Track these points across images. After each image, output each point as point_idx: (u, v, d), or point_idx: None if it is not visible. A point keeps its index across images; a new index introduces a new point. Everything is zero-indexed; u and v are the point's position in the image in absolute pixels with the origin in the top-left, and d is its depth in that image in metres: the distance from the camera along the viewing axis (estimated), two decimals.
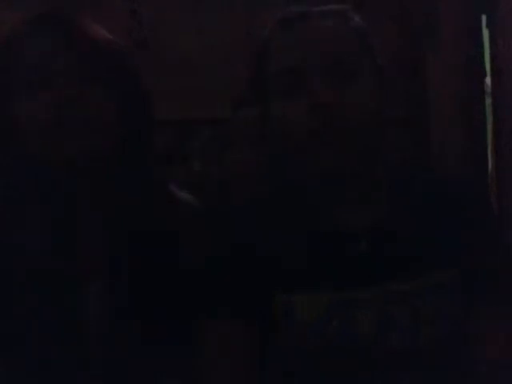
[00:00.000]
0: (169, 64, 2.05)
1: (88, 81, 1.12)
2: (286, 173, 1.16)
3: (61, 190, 1.17)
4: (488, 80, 2.17)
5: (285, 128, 1.08)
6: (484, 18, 2.13)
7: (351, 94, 1.07)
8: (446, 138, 2.08)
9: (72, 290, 1.14)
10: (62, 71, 1.11)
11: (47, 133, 1.10)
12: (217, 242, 1.14)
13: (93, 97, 1.12)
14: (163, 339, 1.15)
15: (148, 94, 1.23)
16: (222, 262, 1.12)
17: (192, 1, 2.10)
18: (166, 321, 1.14)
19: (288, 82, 1.08)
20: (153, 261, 1.16)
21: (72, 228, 1.17)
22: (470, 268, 1.11)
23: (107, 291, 1.15)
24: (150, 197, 1.22)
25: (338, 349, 1.07)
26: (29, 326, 1.12)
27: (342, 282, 1.08)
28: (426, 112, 2.10)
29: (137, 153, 1.21)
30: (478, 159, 2.12)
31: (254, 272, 1.10)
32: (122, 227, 1.17)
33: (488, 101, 2.17)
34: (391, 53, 1.97)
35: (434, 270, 1.10)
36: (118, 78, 1.17)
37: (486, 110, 2.16)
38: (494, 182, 2.17)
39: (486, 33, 2.15)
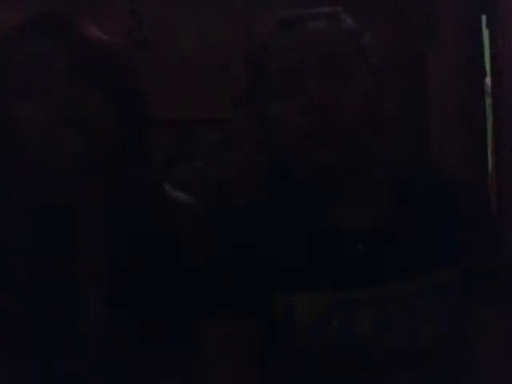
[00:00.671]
0: (169, 64, 2.05)
1: (86, 81, 1.12)
2: (286, 173, 1.16)
3: (60, 191, 1.17)
4: (488, 80, 2.17)
5: (283, 128, 1.08)
6: (484, 17, 2.13)
7: (347, 95, 1.07)
8: (446, 138, 2.08)
9: (72, 291, 1.14)
10: (61, 72, 1.11)
11: (46, 133, 1.10)
12: (216, 242, 1.14)
13: (91, 97, 1.12)
14: (163, 339, 1.15)
15: (146, 94, 1.23)
16: (221, 262, 1.12)
17: (192, 1, 2.10)
18: (165, 321, 1.14)
19: (285, 82, 1.08)
20: (152, 261, 1.16)
21: (71, 228, 1.17)
22: (469, 268, 1.11)
23: (107, 291, 1.15)
24: (150, 197, 1.22)
25: (337, 349, 1.07)
26: (29, 326, 1.12)
27: (341, 282, 1.08)
28: (426, 112, 2.10)
29: (136, 153, 1.21)
30: (478, 159, 2.12)
31: (253, 272, 1.10)
32: (122, 227, 1.17)
33: (488, 101, 2.17)
34: (391, 53, 1.97)
35: (434, 270, 1.10)
36: (116, 79, 1.17)
37: (486, 109, 2.16)
38: (493, 182, 2.17)
39: (486, 33, 2.15)
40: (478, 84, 2.12)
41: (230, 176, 2.02)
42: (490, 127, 2.18)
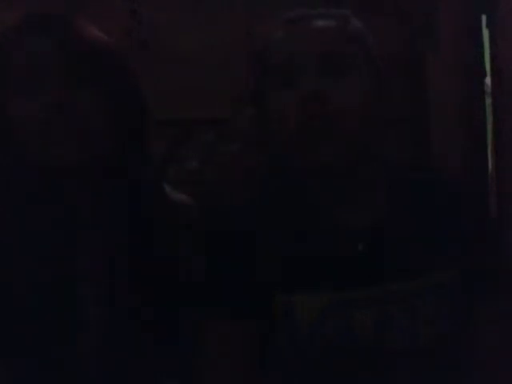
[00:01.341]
0: (169, 64, 2.05)
1: (86, 81, 1.12)
2: (286, 172, 1.16)
3: (58, 191, 1.17)
4: (488, 80, 2.17)
5: (283, 128, 1.08)
6: (484, 17, 2.14)
7: (348, 94, 1.07)
8: (446, 138, 2.08)
9: (71, 291, 1.14)
10: (60, 72, 1.11)
11: (45, 133, 1.10)
12: (216, 242, 1.14)
13: (90, 97, 1.12)
14: (163, 339, 1.15)
15: (144, 95, 1.23)
16: (221, 263, 1.12)
17: (192, 1, 2.11)
18: (165, 321, 1.14)
19: (286, 81, 1.08)
20: (152, 261, 1.16)
21: (71, 229, 1.17)
22: (469, 268, 1.12)
23: (107, 292, 1.15)
24: (149, 197, 1.22)
25: (337, 349, 1.07)
26: (28, 326, 1.12)
27: (341, 282, 1.08)
28: (426, 112, 2.10)
29: (135, 153, 1.21)
30: (478, 159, 2.12)
31: (253, 272, 1.10)
32: (121, 228, 1.17)
33: (488, 101, 2.18)
34: (391, 53, 1.97)
35: (434, 270, 1.10)
36: (115, 79, 1.16)
37: (486, 109, 2.16)
38: (494, 182, 2.17)
39: (486, 33, 2.15)
40: (478, 84, 2.12)
41: (228, 176, 2.02)
42: (490, 127, 2.19)
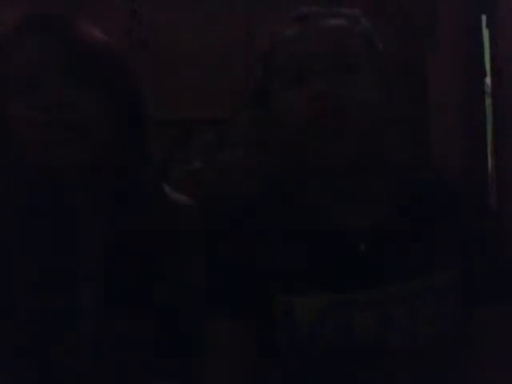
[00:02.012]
0: (169, 64, 2.05)
1: (86, 81, 1.12)
2: (286, 173, 1.16)
3: (58, 191, 1.17)
4: (488, 80, 2.18)
5: (291, 128, 1.08)
6: (484, 17, 2.14)
7: (353, 94, 1.07)
8: (446, 138, 2.08)
9: (71, 291, 1.14)
10: (60, 72, 1.11)
11: (44, 134, 1.10)
12: (216, 242, 1.14)
13: (90, 97, 1.12)
14: (163, 339, 1.15)
15: (144, 95, 1.23)
16: (221, 263, 1.12)
17: (192, 1, 2.11)
18: (166, 321, 1.14)
19: (295, 81, 1.08)
20: (152, 261, 1.16)
21: (71, 229, 1.17)
22: (470, 268, 1.11)
23: (106, 292, 1.15)
24: (149, 197, 1.22)
25: (337, 349, 1.07)
26: (28, 326, 1.12)
27: (341, 282, 1.08)
28: (426, 112, 2.10)
29: (135, 153, 1.21)
30: (478, 159, 2.12)
31: (253, 272, 1.10)
32: (121, 228, 1.17)
33: (488, 101, 2.18)
34: (391, 53, 1.97)
35: (434, 270, 1.10)
36: (115, 79, 1.16)
37: (486, 110, 2.16)
38: (494, 182, 2.18)
39: (486, 33, 2.15)
40: (478, 84, 2.13)
41: (229, 176, 2.02)
42: (489, 127, 2.19)
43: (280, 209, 1.14)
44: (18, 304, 1.12)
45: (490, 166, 2.16)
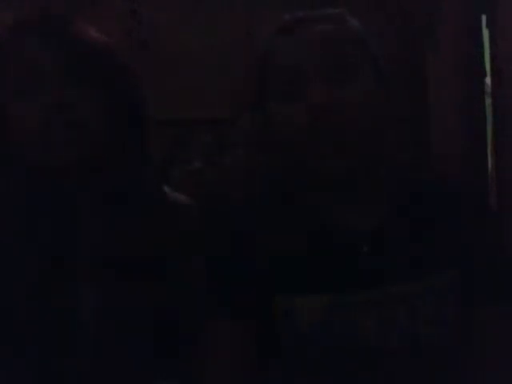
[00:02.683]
0: (169, 64, 2.05)
1: (86, 81, 1.12)
2: (287, 173, 1.16)
3: (58, 191, 1.17)
4: (488, 80, 2.18)
5: (285, 129, 1.08)
6: (484, 17, 2.14)
7: (351, 96, 1.07)
8: (446, 138, 2.08)
9: (71, 290, 1.14)
10: (58, 72, 1.11)
11: (44, 134, 1.10)
12: (216, 243, 1.14)
13: (90, 97, 1.12)
14: (163, 339, 1.15)
15: (144, 95, 1.23)
16: (221, 263, 1.12)
17: (192, 1, 2.11)
18: (165, 321, 1.14)
19: (288, 83, 1.08)
20: (152, 261, 1.16)
21: (71, 229, 1.17)
22: (470, 268, 1.11)
23: (106, 291, 1.15)
24: (149, 197, 1.22)
25: (338, 349, 1.07)
26: (28, 326, 1.12)
27: (342, 283, 1.08)
28: (426, 112, 2.11)
29: (135, 153, 1.21)
30: (478, 159, 2.12)
31: (254, 272, 1.10)
32: (120, 228, 1.17)
33: (488, 101, 2.18)
34: (391, 53, 1.97)
35: (434, 270, 1.10)
36: (114, 79, 1.16)
37: (486, 110, 2.16)
38: (494, 182, 2.18)
39: (486, 33, 2.15)
40: (478, 84, 2.13)
41: (229, 176, 2.02)
42: (490, 127, 2.19)
43: (280, 209, 1.14)
44: (18, 304, 1.12)
45: (490, 166, 2.16)
